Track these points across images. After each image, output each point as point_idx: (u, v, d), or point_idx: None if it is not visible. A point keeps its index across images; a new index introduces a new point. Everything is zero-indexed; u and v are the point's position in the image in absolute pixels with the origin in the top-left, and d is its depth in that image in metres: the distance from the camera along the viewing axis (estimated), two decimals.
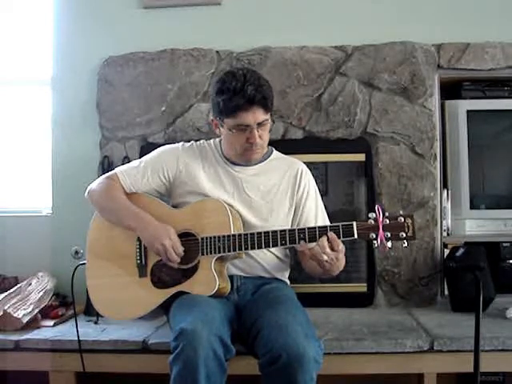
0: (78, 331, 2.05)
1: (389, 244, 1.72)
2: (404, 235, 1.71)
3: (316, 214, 2.03)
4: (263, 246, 1.82)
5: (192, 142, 2.10)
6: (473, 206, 2.56)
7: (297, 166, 2.06)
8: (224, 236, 1.84)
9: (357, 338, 2.06)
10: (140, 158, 2.15)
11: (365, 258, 2.61)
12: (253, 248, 1.83)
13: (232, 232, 1.84)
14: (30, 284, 2.46)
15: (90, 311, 2.36)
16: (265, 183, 2.00)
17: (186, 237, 1.89)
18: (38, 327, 2.26)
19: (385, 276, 2.58)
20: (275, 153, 2.09)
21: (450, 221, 2.62)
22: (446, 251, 2.56)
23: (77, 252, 2.39)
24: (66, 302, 2.51)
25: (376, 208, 1.74)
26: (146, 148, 2.55)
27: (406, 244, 1.73)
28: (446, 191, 2.61)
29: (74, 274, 2.02)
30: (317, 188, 2.08)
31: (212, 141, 2.09)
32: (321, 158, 2.62)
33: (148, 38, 2.70)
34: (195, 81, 2.65)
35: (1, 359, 2.13)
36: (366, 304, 2.57)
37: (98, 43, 2.72)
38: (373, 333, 2.12)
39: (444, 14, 2.63)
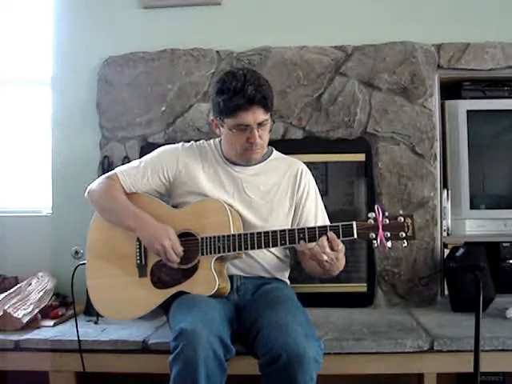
0: (77, 331, 2.05)
1: (388, 244, 1.72)
2: (404, 235, 1.71)
3: (316, 214, 2.03)
4: (263, 245, 1.82)
5: (192, 142, 2.10)
6: (473, 206, 2.56)
7: (297, 166, 2.06)
8: (224, 236, 1.84)
9: (357, 338, 2.06)
10: (140, 158, 2.15)
11: (365, 258, 2.61)
12: (252, 248, 1.83)
13: (232, 232, 1.84)
14: (30, 284, 2.46)
15: (90, 311, 2.36)
16: (265, 183, 2.00)
17: (185, 237, 1.89)
18: (38, 327, 2.26)
19: (385, 276, 2.57)
20: (275, 153, 2.09)
21: (449, 221, 2.62)
22: (446, 251, 2.56)
23: (77, 252, 2.39)
24: (66, 302, 2.51)
25: (376, 208, 1.73)
26: (146, 148, 2.55)
27: (405, 244, 1.73)
28: (446, 191, 2.60)
29: (73, 274, 2.02)
30: (317, 188, 2.08)
31: (212, 141, 2.09)
32: (321, 157, 2.62)
33: (148, 38, 2.70)
34: (195, 81, 2.65)
35: (1, 359, 2.13)
36: (366, 304, 2.57)
37: (98, 43, 2.72)
38: (373, 333, 2.12)
39: (444, 14, 2.63)
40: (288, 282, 2.11)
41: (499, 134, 2.64)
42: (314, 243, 1.77)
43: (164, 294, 1.89)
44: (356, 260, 2.61)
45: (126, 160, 2.58)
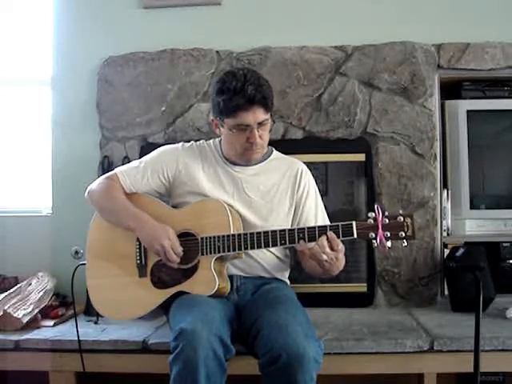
0: (77, 331, 2.05)
1: (388, 243, 1.71)
2: (403, 235, 1.71)
3: (316, 214, 2.03)
4: (263, 245, 1.82)
5: (192, 142, 2.10)
6: (473, 206, 2.56)
7: (297, 166, 2.06)
8: (224, 236, 1.84)
9: (357, 338, 2.06)
10: (140, 158, 2.15)
11: (365, 258, 2.61)
12: (252, 248, 1.83)
13: (232, 232, 1.84)
14: (30, 284, 2.46)
15: (90, 311, 2.36)
16: (265, 183, 2.00)
17: (185, 237, 1.89)
18: (38, 327, 2.26)
19: (385, 276, 2.57)
20: (275, 153, 2.09)
21: (449, 221, 2.62)
22: (446, 251, 2.55)
23: (77, 252, 2.40)
24: (66, 302, 2.51)
25: (375, 207, 1.73)
26: (146, 148, 2.55)
27: (405, 244, 1.72)
28: (446, 191, 2.60)
29: (74, 274, 2.02)
30: (317, 188, 2.08)
31: (212, 141, 2.09)
32: (321, 157, 2.62)
33: (148, 38, 2.70)
34: (195, 81, 2.65)
35: (1, 359, 2.13)
36: (366, 304, 2.57)
37: (98, 43, 2.72)
38: (373, 333, 2.12)
39: (444, 14, 2.63)
40: (288, 281, 2.11)
41: (499, 134, 2.64)
42: (313, 243, 1.76)
43: (164, 294, 1.89)
44: (356, 260, 2.61)
45: (126, 160, 2.58)
